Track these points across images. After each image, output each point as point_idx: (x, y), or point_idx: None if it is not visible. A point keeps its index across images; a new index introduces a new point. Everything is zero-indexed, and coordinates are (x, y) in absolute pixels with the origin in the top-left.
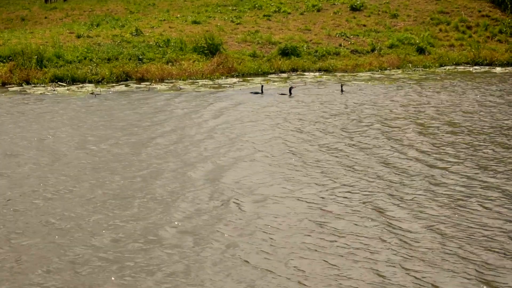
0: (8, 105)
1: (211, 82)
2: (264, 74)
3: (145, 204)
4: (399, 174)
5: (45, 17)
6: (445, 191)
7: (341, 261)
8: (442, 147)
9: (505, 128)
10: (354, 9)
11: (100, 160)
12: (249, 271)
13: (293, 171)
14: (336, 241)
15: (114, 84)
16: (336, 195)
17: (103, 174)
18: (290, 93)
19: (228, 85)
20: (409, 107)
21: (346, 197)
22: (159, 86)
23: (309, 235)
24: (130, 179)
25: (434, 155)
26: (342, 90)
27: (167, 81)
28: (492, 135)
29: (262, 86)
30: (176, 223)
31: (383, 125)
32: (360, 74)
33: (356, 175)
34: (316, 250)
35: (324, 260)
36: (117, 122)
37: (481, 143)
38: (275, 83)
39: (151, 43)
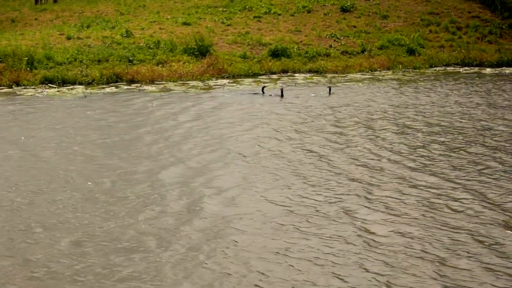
0: None
1: (201, 84)
2: (255, 75)
3: (109, 206)
4: (370, 175)
5: (35, 19)
6: (415, 192)
7: (304, 264)
8: (418, 148)
9: (482, 129)
10: (344, 10)
11: (69, 162)
12: (208, 273)
13: (265, 172)
14: (300, 244)
15: (104, 86)
16: (305, 197)
17: (71, 176)
18: (282, 94)
19: (218, 86)
20: (392, 108)
21: (315, 199)
22: (149, 88)
23: (274, 239)
24: (99, 181)
25: (408, 156)
26: (330, 92)
27: (157, 82)
28: (468, 136)
29: (263, 87)
30: (140, 225)
31: (361, 126)
32: (351, 75)
33: (327, 176)
34: (279, 253)
35: (288, 263)
36: (99, 123)
37: (456, 144)
38: (267, 84)
39: (141, 44)
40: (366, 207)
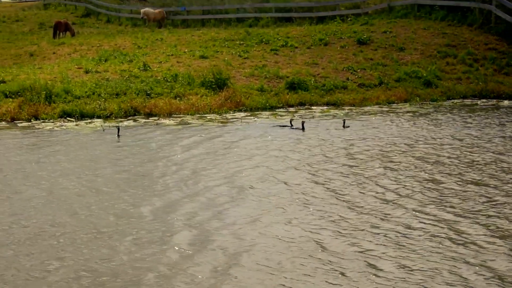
0: (15, 140)
1: (219, 117)
2: (272, 108)
3: (88, 238)
4: (380, 209)
5: (54, 53)
6: (390, 226)
7: None
8: (430, 181)
9: (497, 161)
10: (361, 43)
11: (76, 196)
12: None
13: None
14: (302, 280)
15: (122, 119)
16: (280, 229)
17: (57, 206)
18: (303, 127)
19: (235, 119)
20: (407, 141)
21: (289, 231)
22: (167, 121)
23: (275, 274)
24: (84, 211)
25: (422, 190)
26: (344, 125)
27: (175, 115)
28: (482, 169)
29: (291, 120)
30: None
31: (375, 160)
32: (368, 107)
33: (336, 209)
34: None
35: None
36: (115, 156)
37: (470, 177)
38: (284, 117)
39: (159, 78)
40: (372, 241)
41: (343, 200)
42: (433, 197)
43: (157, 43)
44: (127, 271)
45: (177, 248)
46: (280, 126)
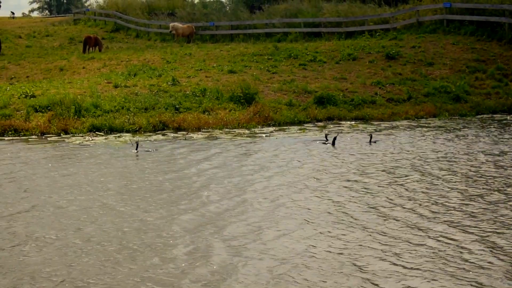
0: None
1: (247, 131)
2: (300, 123)
3: (110, 254)
4: (391, 226)
5: (83, 67)
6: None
7: None
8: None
9: None
10: (389, 57)
11: (86, 209)
12: None
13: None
14: None
15: (151, 134)
16: (324, 243)
17: (85, 224)
18: (333, 143)
19: (264, 134)
20: (434, 155)
21: (325, 250)
22: (195, 135)
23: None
24: (106, 226)
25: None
26: (371, 140)
27: (203, 130)
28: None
29: (326, 135)
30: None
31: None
32: (396, 122)
33: (341, 225)
34: None
35: None
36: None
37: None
38: (311, 131)
39: (187, 92)
40: (376, 257)
41: (380, 215)
42: (473, 211)
43: (186, 58)
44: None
45: (216, 263)
46: (316, 140)
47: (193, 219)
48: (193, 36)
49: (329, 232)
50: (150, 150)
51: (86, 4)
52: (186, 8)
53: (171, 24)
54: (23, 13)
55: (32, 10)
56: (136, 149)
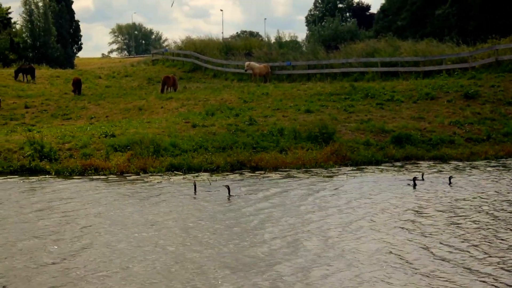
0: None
1: (324, 171)
2: (378, 162)
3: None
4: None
5: (161, 107)
6: None
7: None
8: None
9: None
10: (468, 97)
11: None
12: None
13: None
14: None
15: (228, 173)
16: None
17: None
18: (415, 184)
19: (343, 174)
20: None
21: None
22: (272, 175)
23: None
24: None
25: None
26: (450, 182)
27: (280, 170)
28: None
29: (415, 178)
30: None
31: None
32: (476, 162)
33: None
34: None
35: None
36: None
37: None
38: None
39: (265, 131)
40: None
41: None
42: None
43: (263, 98)
44: None
45: None
46: (404, 180)
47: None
48: (269, 75)
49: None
50: (238, 195)
51: (164, 45)
52: (263, 48)
53: (247, 63)
54: (102, 54)
55: (111, 51)
56: (229, 194)
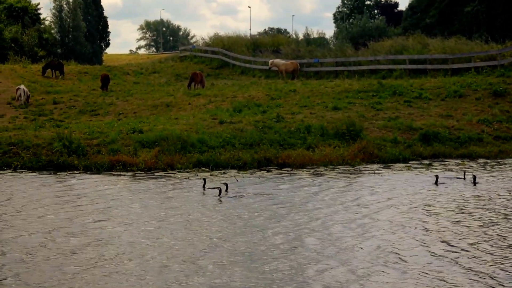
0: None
1: (352, 168)
2: (405, 160)
3: None
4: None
5: (189, 103)
6: None
7: None
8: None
9: None
10: (497, 95)
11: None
12: None
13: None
14: None
15: (255, 170)
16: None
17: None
18: (474, 181)
19: (369, 171)
20: None
21: None
22: (300, 172)
23: None
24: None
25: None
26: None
27: (308, 167)
28: None
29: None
30: None
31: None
32: (504, 160)
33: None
34: None
35: None
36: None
37: None
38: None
39: (292, 129)
40: None
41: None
42: None
43: (290, 95)
44: None
45: None
46: (452, 178)
47: None
48: (297, 72)
49: None
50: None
51: (192, 41)
52: (290, 45)
53: (270, 61)
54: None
55: (139, 47)
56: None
